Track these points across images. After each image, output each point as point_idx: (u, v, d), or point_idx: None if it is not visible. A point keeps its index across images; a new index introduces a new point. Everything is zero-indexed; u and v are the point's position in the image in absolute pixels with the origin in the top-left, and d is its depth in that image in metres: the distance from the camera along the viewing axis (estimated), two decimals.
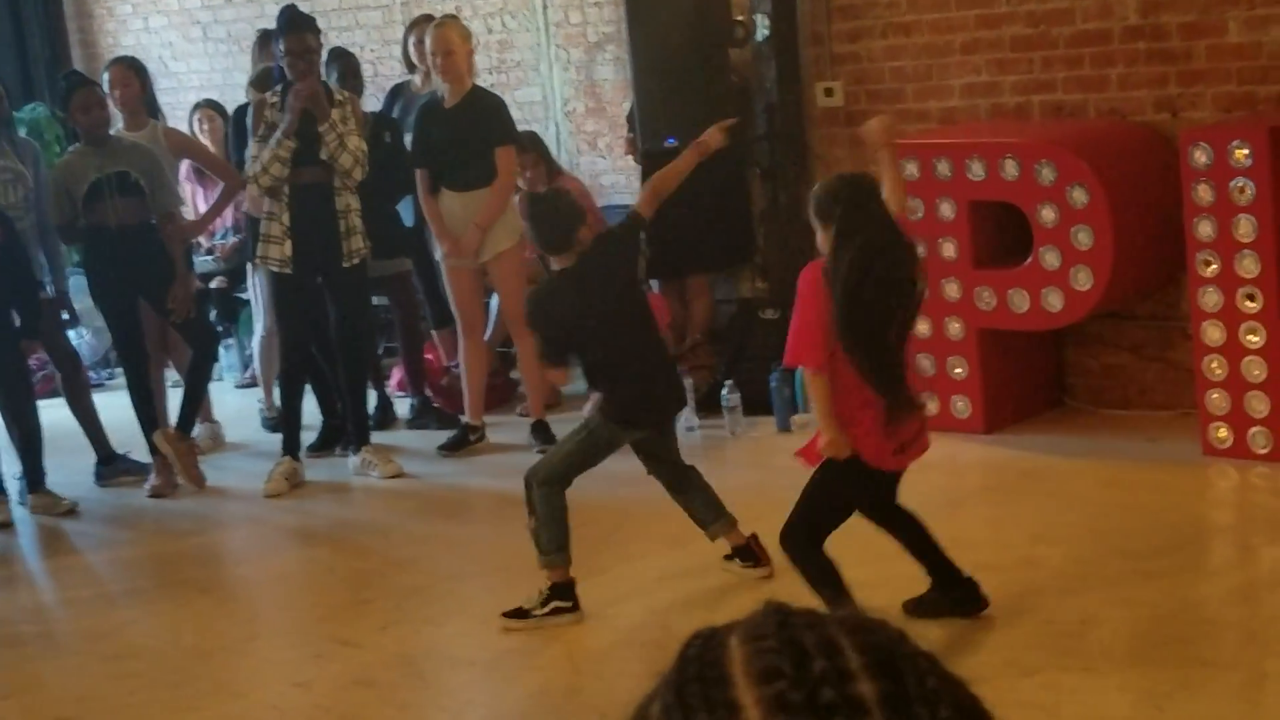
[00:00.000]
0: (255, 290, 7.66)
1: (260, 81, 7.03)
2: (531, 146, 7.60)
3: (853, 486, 4.40)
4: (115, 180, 6.59)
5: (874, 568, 4.61)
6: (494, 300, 7.43)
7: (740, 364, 7.10)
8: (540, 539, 4.81)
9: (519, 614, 4.81)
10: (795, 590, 4.22)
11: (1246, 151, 5.54)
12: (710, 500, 5.09)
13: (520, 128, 7.39)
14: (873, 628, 0.92)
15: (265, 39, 7.50)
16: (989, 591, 4.56)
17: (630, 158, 7.72)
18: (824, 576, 4.29)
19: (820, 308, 4.18)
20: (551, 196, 5.09)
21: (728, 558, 5.10)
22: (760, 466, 6.37)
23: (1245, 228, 5.58)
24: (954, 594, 4.50)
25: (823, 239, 4.24)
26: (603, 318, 4.83)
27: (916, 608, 4.47)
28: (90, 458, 7.02)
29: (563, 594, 4.82)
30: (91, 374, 8.47)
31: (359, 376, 6.87)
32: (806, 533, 4.37)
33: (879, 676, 0.88)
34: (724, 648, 0.92)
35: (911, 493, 5.62)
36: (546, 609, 4.80)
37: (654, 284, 7.47)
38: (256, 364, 7.88)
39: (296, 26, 6.46)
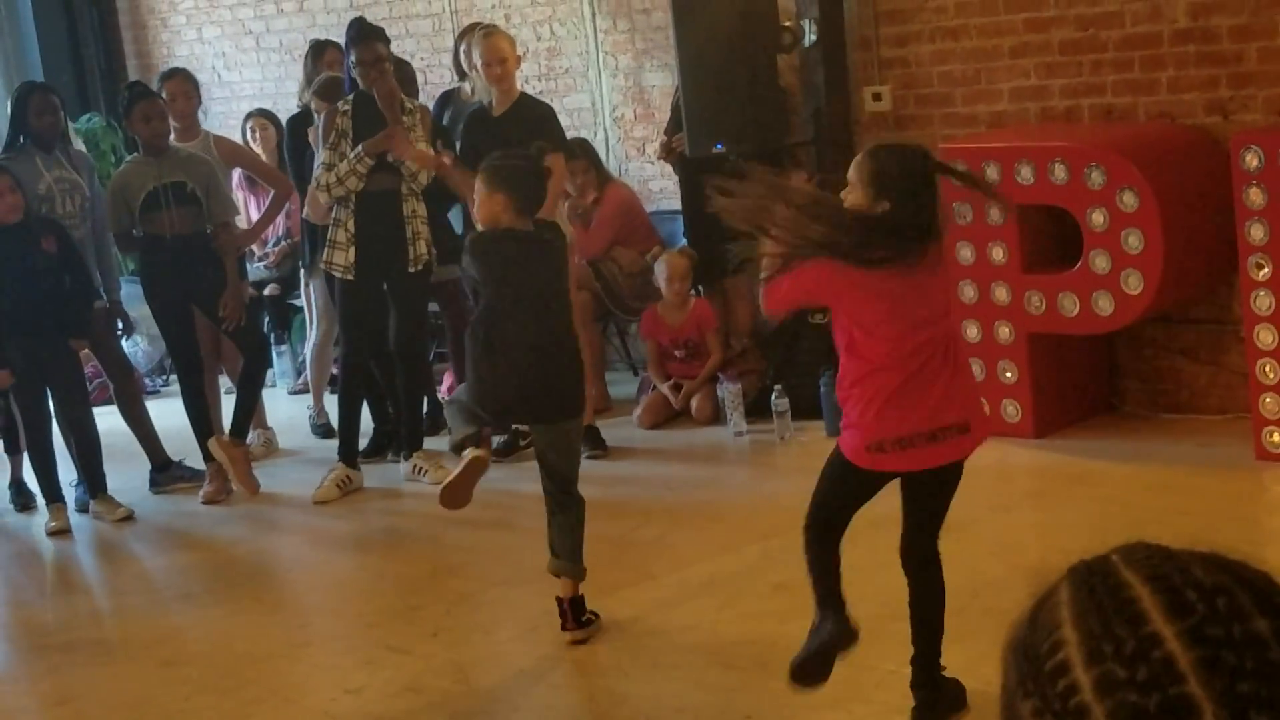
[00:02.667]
0: (308, 297, 7.73)
1: (326, 91, 7.10)
2: (582, 153, 7.64)
3: (832, 478, 4.03)
4: (172, 190, 6.68)
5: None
6: None
7: (789, 368, 7.10)
8: (557, 545, 4.86)
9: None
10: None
11: None
12: (575, 541, 4.91)
13: (569, 135, 7.42)
14: (1247, 568, 1.00)
15: (319, 49, 7.58)
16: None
17: (664, 161, 7.74)
18: (816, 574, 4.04)
19: None
20: (540, 165, 5.06)
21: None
22: (809, 472, 6.32)
23: None
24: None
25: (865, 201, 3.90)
26: (519, 289, 4.76)
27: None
28: (145, 465, 7.11)
29: (580, 610, 4.82)
30: (146, 381, 8.58)
31: (418, 382, 6.92)
32: (815, 523, 4.08)
33: (1268, 613, 0.95)
34: (1128, 585, 0.98)
35: (960, 498, 5.61)
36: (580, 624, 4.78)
37: (699, 289, 7.49)
38: (309, 370, 7.95)
39: (367, 36, 6.56)
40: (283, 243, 8.45)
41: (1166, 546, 1.01)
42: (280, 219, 7.99)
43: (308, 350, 7.93)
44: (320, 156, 6.59)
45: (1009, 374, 6.39)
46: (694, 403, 7.26)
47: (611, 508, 6.20)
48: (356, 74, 6.54)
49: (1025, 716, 0.97)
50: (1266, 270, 5.63)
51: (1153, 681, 0.92)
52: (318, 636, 5.31)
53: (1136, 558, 1.00)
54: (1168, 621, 0.95)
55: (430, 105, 8.07)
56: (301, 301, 8.00)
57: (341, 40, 6.90)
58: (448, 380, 7.97)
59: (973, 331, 6.45)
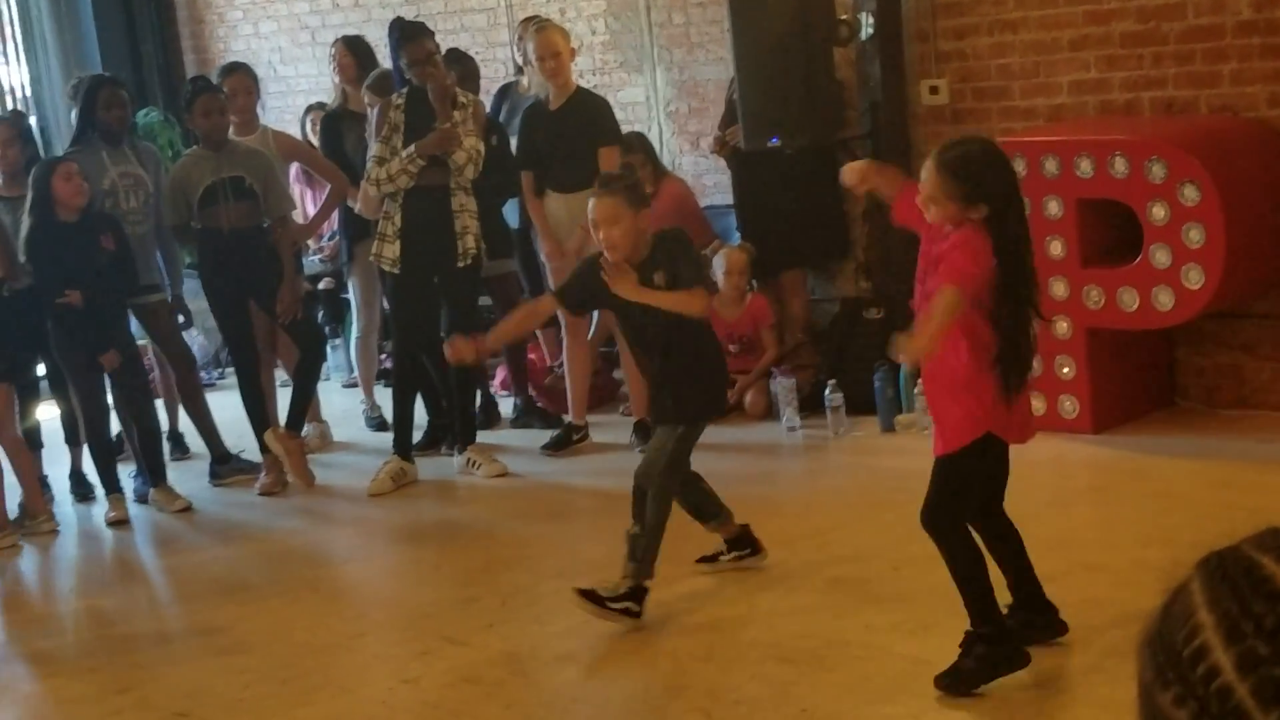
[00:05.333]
0: (353, 290, 7.77)
1: (378, 85, 7.14)
2: (639, 146, 7.64)
3: (975, 460, 4.16)
4: (230, 185, 6.72)
5: None
6: None
7: (843, 364, 7.07)
8: (637, 549, 4.86)
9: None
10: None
11: None
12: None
13: (624, 128, 7.42)
14: None
15: (335, 46, 7.71)
16: (1100, 593, 4.50)
17: (717, 156, 7.73)
18: (965, 559, 4.17)
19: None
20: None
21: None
22: (863, 468, 6.35)
23: None
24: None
25: (960, 212, 4.01)
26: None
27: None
28: (205, 457, 7.18)
29: (637, 597, 4.85)
30: (203, 374, 8.65)
31: (469, 376, 6.95)
32: (947, 513, 4.19)
33: None
34: (1261, 565, 0.98)
35: (1018, 493, 5.56)
36: (620, 605, 4.82)
37: (753, 283, 7.48)
38: (356, 364, 7.99)
39: (415, 34, 6.60)
40: (337, 237, 8.49)
41: None
42: (337, 213, 8.04)
43: (352, 344, 7.97)
44: (372, 149, 6.62)
45: (1066, 369, 6.34)
46: (748, 397, 7.24)
47: None
48: (410, 73, 6.56)
49: (1167, 707, 0.96)
50: None
51: None
52: (374, 627, 5.33)
53: (1267, 542, 1.00)
54: None
55: (488, 100, 8.11)
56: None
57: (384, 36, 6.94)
58: (500, 374, 7.99)
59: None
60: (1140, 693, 1.01)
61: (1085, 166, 6.11)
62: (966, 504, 4.23)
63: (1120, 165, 5.98)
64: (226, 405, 7.46)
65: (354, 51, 7.73)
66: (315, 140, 8.29)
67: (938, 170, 4.03)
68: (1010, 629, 4.18)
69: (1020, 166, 6.29)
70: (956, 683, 4.12)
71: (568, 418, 7.13)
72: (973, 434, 4.11)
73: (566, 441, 7.02)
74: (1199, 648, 0.95)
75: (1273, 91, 6.18)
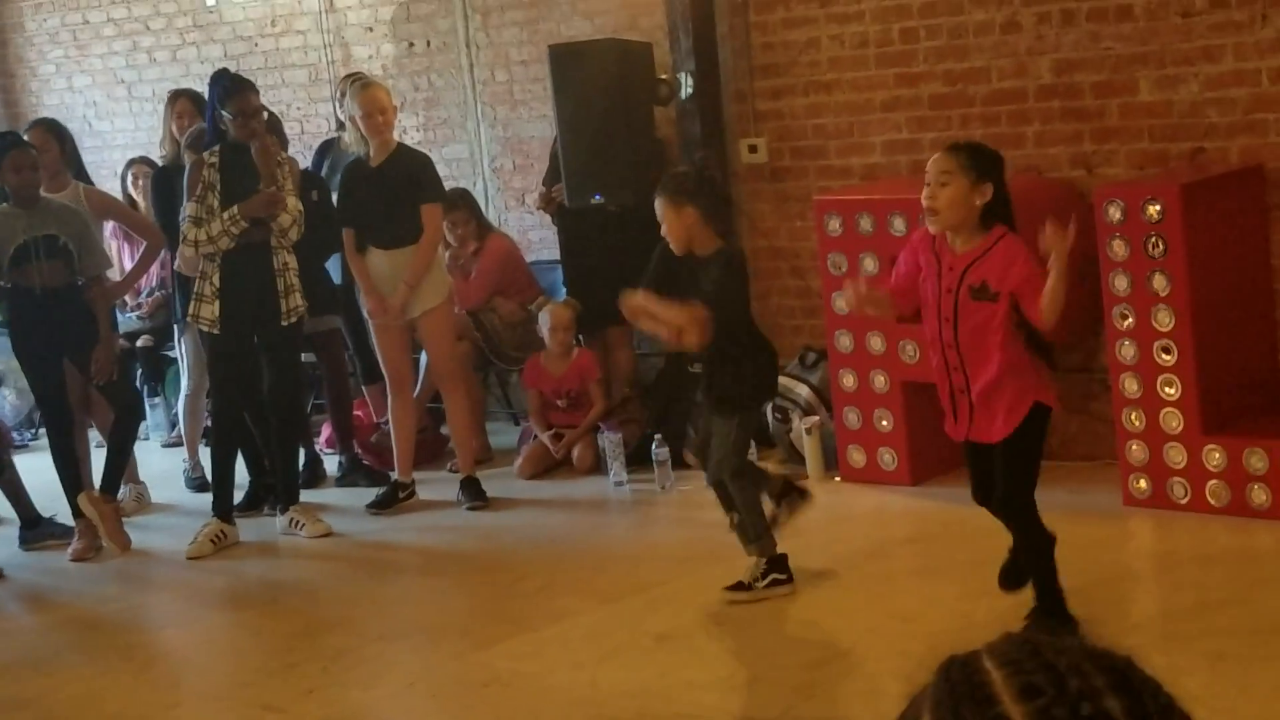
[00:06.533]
0: (182, 349, 7.63)
1: (199, 143, 7.04)
2: (462, 203, 7.64)
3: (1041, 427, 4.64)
4: (43, 243, 6.57)
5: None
6: (423, 356, 7.44)
7: (669, 417, 7.13)
8: (748, 530, 5.23)
9: (740, 587, 5.24)
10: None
11: (1159, 208, 5.65)
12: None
13: (448, 185, 7.42)
14: (1106, 653, 1.07)
15: (174, 98, 7.54)
16: (917, 646, 4.59)
17: (542, 212, 7.78)
18: (1043, 536, 4.62)
19: None
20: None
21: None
22: (690, 522, 6.39)
23: (1160, 282, 5.68)
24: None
25: (970, 187, 4.47)
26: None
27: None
28: (14, 521, 6.96)
29: (779, 567, 5.25)
30: (15, 435, 8.39)
31: (292, 435, 6.86)
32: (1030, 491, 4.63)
33: (1121, 694, 1.02)
34: (984, 671, 1.04)
35: (837, 543, 5.68)
36: (766, 581, 5.22)
37: (579, 338, 7.51)
38: (182, 423, 7.83)
39: (241, 88, 6.52)
40: (156, 293, 8.34)
41: (1040, 637, 1.07)
42: (154, 269, 7.89)
43: (180, 402, 7.81)
44: (187, 208, 6.51)
45: (885, 422, 6.48)
46: (575, 452, 7.26)
47: (492, 559, 6.18)
48: (232, 126, 6.47)
49: None
50: (1130, 320, 5.78)
51: None
52: (190, 697, 5.21)
53: (1000, 648, 1.06)
54: (1016, 702, 1.00)
55: (308, 155, 8.04)
56: (175, 353, 7.88)
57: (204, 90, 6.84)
58: (326, 431, 7.89)
59: (849, 380, 6.54)
60: None
61: (899, 224, 6.27)
62: (1036, 479, 4.62)
63: None
64: (39, 468, 7.25)
65: (198, 106, 7.58)
66: (138, 194, 8.14)
67: (951, 153, 4.52)
68: (1068, 610, 4.58)
69: (836, 224, 6.46)
70: None
71: (394, 475, 7.07)
72: (1025, 407, 4.50)
73: (393, 499, 6.96)
74: None
75: (1074, 152, 6.42)
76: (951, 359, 4.61)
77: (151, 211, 7.58)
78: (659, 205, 5.24)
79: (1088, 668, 1.03)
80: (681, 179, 5.41)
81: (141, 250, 7.45)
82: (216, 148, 6.53)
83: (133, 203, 8.10)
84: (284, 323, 6.56)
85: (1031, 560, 4.64)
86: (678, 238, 5.20)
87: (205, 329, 6.55)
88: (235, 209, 6.38)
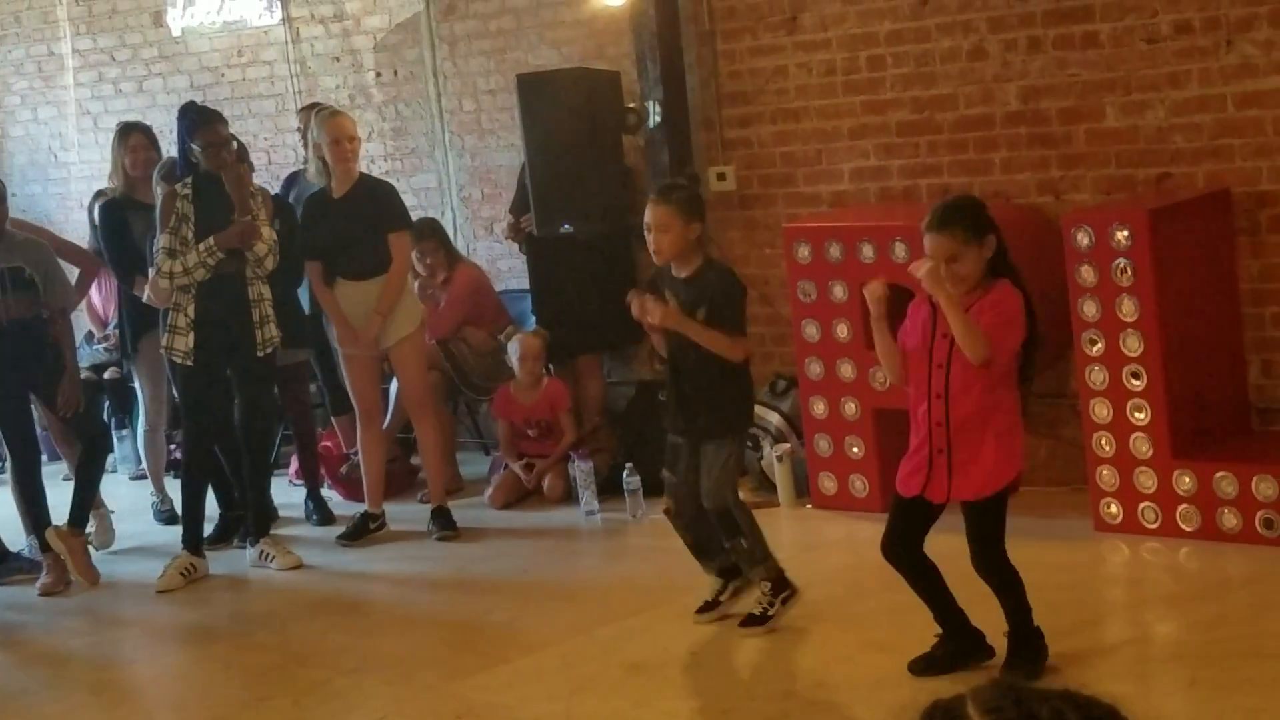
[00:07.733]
0: (139, 383, 7.58)
1: (170, 174, 6.99)
2: (430, 233, 7.63)
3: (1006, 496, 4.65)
4: (9, 275, 6.52)
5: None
6: (393, 386, 7.41)
7: (640, 446, 7.12)
8: (754, 551, 5.18)
9: (755, 621, 5.17)
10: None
11: (1126, 233, 5.69)
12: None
13: (416, 214, 7.41)
14: (1090, 701, 1.07)
15: (126, 132, 7.46)
16: (890, 674, 4.58)
17: (511, 241, 7.78)
18: (1019, 586, 4.60)
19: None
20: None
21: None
22: (661, 551, 6.37)
23: (1128, 307, 5.71)
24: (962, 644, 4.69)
25: (980, 253, 4.38)
26: None
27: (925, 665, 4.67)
28: None
29: (783, 584, 5.21)
30: None
31: (263, 467, 6.82)
32: (1000, 549, 4.63)
33: None
34: (967, 717, 1.06)
35: (809, 572, 5.66)
36: (779, 604, 5.18)
37: (550, 369, 7.51)
38: (144, 459, 7.78)
39: (209, 119, 6.51)
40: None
41: (1023, 684, 1.07)
42: (111, 304, 7.85)
43: (139, 436, 7.77)
44: (160, 240, 6.48)
45: (856, 449, 6.48)
46: (546, 481, 7.25)
47: (464, 590, 6.15)
48: (203, 158, 6.45)
49: None
50: (1099, 345, 5.81)
51: None
52: None
53: (984, 694, 1.06)
54: None
55: (276, 185, 8.01)
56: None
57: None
58: (294, 464, 7.85)
59: (820, 408, 6.55)
60: None
61: (867, 251, 6.29)
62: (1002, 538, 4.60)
63: (900, 250, 6.17)
64: (5, 502, 7.18)
65: (152, 140, 7.53)
66: None
67: (942, 229, 4.35)
68: (1042, 642, 4.58)
69: (805, 252, 6.47)
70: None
71: (364, 506, 7.03)
72: (1011, 474, 4.54)
73: (363, 530, 6.93)
74: None
75: (1041, 178, 6.46)
76: (937, 412, 4.56)
77: (100, 243, 7.50)
78: (662, 212, 5.07)
79: (1071, 717, 1.03)
80: (692, 196, 5.28)
81: (109, 284, 7.40)
82: (189, 179, 6.51)
83: (52, 234, 8.03)
84: (259, 354, 6.53)
85: (1008, 603, 4.62)
86: (673, 249, 5.10)
87: (179, 360, 6.51)
88: (211, 240, 6.35)
